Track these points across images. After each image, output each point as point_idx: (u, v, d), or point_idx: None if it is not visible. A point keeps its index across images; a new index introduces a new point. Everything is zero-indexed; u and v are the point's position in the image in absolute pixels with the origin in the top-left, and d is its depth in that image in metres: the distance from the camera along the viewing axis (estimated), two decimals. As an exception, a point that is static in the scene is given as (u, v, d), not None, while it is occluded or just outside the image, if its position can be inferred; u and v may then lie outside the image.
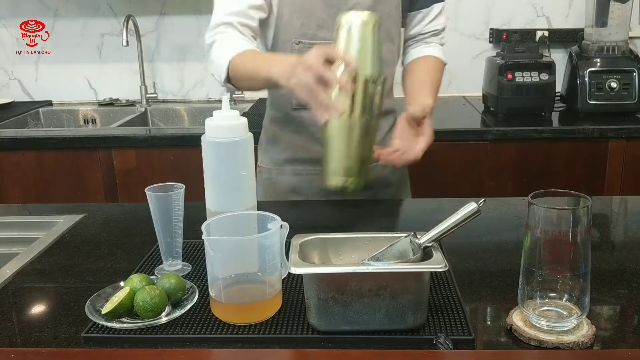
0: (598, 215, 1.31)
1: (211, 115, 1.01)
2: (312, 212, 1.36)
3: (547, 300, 0.83)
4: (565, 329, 0.82)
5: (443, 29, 1.49)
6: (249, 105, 2.61)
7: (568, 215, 0.79)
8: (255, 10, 1.31)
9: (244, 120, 1.01)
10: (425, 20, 1.46)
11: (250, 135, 1.01)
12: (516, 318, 0.85)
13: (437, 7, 1.45)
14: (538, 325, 0.82)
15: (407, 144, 1.22)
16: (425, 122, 1.24)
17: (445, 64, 1.48)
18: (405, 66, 1.49)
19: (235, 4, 1.30)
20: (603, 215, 1.34)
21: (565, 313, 0.82)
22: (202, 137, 1.01)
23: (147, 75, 2.71)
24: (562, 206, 0.80)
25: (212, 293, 0.89)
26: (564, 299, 0.83)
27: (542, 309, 0.83)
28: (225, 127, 0.99)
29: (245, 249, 0.88)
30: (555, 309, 0.83)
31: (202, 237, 0.85)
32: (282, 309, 0.90)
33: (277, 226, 0.87)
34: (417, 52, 1.48)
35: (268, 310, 0.89)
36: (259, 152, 1.52)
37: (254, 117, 1.86)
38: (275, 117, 1.47)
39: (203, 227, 0.87)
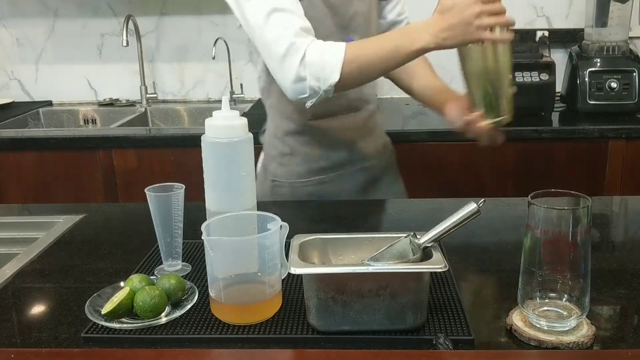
0: (598, 215, 1.31)
1: (211, 116, 1.01)
2: (312, 212, 1.36)
3: (547, 301, 0.83)
4: (565, 329, 0.82)
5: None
6: (249, 105, 2.61)
7: (568, 216, 0.79)
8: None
9: (244, 120, 1.01)
10: (397, 9, 1.48)
11: (250, 136, 1.01)
12: (516, 318, 0.85)
13: None
14: (538, 326, 0.82)
15: None
16: None
17: None
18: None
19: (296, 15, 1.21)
20: (603, 215, 1.34)
21: (565, 313, 0.82)
22: (202, 137, 1.01)
23: (147, 76, 2.71)
24: (562, 206, 0.80)
25: (212, 293, 0.89)
26: (564, 299, 0.83)
27: (542, 309, 0.83)
28: (225, 127, 0.99)
29: (245, 249, 0.88)
30: (555, 309, 0.83)
31: (202, 238, 0.85)
32: (282, 309, 0.90)
33: (277, 226, 0.87)
34: None
35: (268, 311, 0.89)
36: (272, 167, 1.46)
37: (254, 117, 1.86)
38: (289, 129, 1.42)
39: (203, 227, 0.87)
